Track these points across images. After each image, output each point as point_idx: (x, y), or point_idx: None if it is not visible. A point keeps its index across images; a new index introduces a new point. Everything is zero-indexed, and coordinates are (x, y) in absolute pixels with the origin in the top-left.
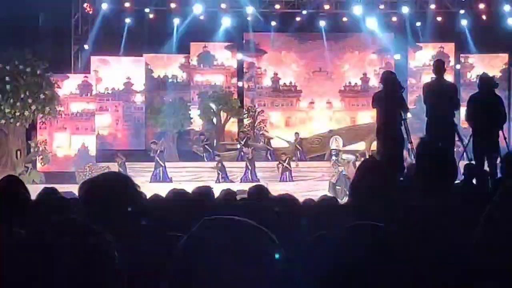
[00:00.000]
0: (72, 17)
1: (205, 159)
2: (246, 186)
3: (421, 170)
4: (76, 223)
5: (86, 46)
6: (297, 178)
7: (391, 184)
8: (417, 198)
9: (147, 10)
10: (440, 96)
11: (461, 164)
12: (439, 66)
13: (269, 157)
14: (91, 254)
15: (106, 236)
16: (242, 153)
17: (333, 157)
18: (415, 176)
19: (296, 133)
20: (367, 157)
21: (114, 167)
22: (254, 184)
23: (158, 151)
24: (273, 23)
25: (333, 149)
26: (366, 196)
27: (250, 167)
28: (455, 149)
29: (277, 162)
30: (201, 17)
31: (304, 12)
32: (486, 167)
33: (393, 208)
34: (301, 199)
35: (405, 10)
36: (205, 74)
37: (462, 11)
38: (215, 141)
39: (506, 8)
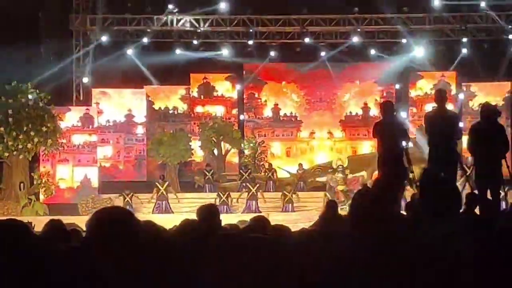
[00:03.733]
0: (73, 49)
1: (206, 190)
2: (248, 217)
3: (426, 200)
4: (78, 251)
5: (86, 79)
6: (298, 209)
7: (384, 214)
8: (422, 228)
9: (147, 42)
10: (442, 126)
11: (463, 193)
12: (440, 95)
13: (271, 188)
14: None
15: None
16: (244, 184)
17: (340, 174)
18: (420, 207)
19: (300, 164)
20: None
21: (116, 199)
22: (255, 215)
23: (166, 183)
24: (273, 54)
25: (339, 165)
26: (362, 224)
27: (252, 199)
28: (457, 179)
29: (281, 193)
30: (201, 48)
31: (305, 41)
32: (488, 196)
33: (390, 239)
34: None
35: (405, 39)
36: (206, 105)
37: (463, 40)
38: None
39: (508, 36)
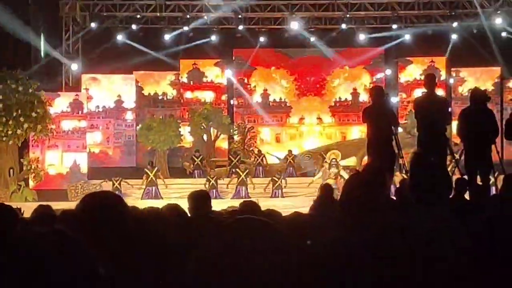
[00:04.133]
0: (63, 36)
1: (195, 175)
2: (237, 203)
3: (415, 185)
4: (60, 234)
5: (76, 65)
6: (288, 194)
7: (378, 199)
8: (413, 213)
9: (137, 28)
10: (432, 111)
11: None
12: (430, 80)
13: (260, 173)
14: (73, 263)
15: (86, 246)
16: (233, 170)
17: (333, 169)
18: (410, 191)
19: (289, 150)
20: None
21: (106, 184)
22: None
23: (156, 169)
24: (262, 39)
25: (333, 159)
26: (354, 211)
27: (241, 184)
28: (446, 163)
29: (270, 178)
30: (191, 34)
31: (294, 27)
32: (478, 181)
33: (384, 224)
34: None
35: (395, 24)
36: (195, 91)
37: (453, 25)
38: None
39: (498, 21)
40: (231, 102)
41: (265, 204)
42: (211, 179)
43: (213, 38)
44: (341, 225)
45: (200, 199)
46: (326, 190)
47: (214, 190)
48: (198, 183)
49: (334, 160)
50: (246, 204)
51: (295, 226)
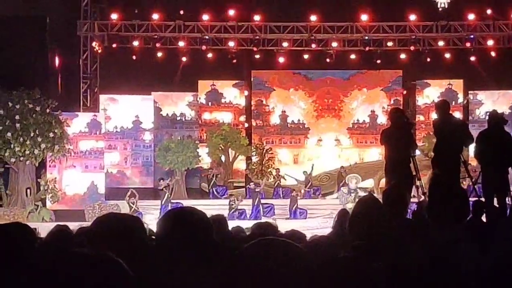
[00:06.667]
0: (81, 55)
1: (210, 195)
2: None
3: (433, 206)
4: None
5: (94, 85)
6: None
7: (388, 221)
8: (429, 234)
9: (155, 48)
10: (447, 133)
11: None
12: (441, 106)
13: (280, 195)
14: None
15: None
16: (249, 191)
17: (352, 194)
18: (427, 212)
19: (305, 172)
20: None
21: (123, 204)
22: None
23: (163, 186)
24: (281, 61)
25: (351, 189)
26: (364, 233)
27: (257, 205)
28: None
29: (289, 200)
30: (209, 55)
31: (312, 49)
32: (495, 204)
33: (394, 245)
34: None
35: (413, 47)
36: (213, 112)
37: (469, 46)
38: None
39: None
40: (248, 122)
41: (282, 226)
42: (234, 203)
43: (232, 58)
44: (349, 245)
45: (215, 223)
46: (341, 215)
47: (237, 212)
48: (216, 204)
49: (354, 181)
50: (259, 226)
51: (314, 246)
